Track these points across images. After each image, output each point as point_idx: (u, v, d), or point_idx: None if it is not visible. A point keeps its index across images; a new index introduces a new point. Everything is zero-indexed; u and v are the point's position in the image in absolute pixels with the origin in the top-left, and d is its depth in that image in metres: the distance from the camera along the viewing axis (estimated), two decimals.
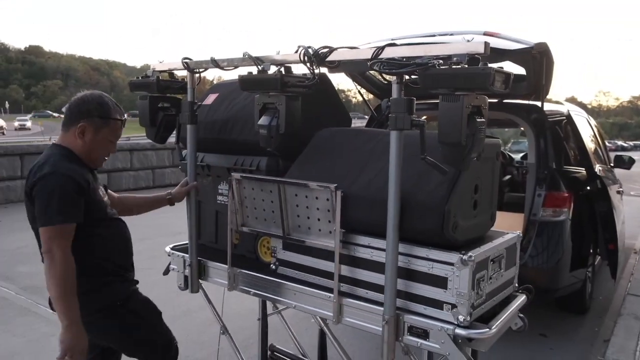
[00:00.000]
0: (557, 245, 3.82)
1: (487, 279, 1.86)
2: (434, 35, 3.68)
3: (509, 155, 7.26)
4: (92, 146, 2.15)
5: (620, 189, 6.00)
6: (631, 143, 71.71)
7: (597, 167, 4.59)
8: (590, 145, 4.89)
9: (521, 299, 2.13)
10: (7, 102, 61.22)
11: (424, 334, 1.78)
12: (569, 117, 4.48)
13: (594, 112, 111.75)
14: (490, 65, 1.53)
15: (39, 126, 43.12)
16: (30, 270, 5.49)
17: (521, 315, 2.11)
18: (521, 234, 2.20)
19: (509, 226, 3.76)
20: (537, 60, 3.43)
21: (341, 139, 2.27)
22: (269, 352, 2.98)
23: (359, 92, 4.49)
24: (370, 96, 4.82)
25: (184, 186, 2.52)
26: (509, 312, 1.97)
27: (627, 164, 6.54)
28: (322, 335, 2.86)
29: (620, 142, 68.92)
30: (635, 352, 3.44)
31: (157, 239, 6.48)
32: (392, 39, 3.85)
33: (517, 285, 2.16)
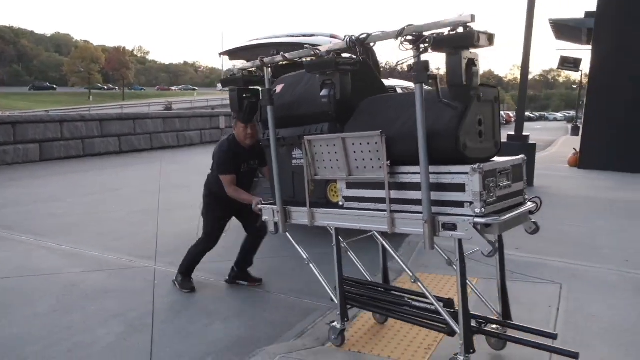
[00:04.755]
0: None
1: (497, 186, 2.41)
2: (305, 36, 5.15)
3: None
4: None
5: None
6: (537, 114, 77.56)
7: None
8: None
9: (529, 205, 2.66)
10: None
11: (453, 227, 2.34)
12: (394, 90, 5.75)
13: (509, 85, 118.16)
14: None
15: None
16: None
17: (534, 221, 2.69)
18: (525, 158, 2.75)
19: None
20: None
21: (377, 103, 2.87)
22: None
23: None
24: None
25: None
26: (516, 211, 2.51)
27: None
28: (385, 258, 3.34)
29: (527, 113, 74.63)
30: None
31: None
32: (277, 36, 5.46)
33: (527, 196, 2.71)
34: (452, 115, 2.37)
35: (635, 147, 10.81)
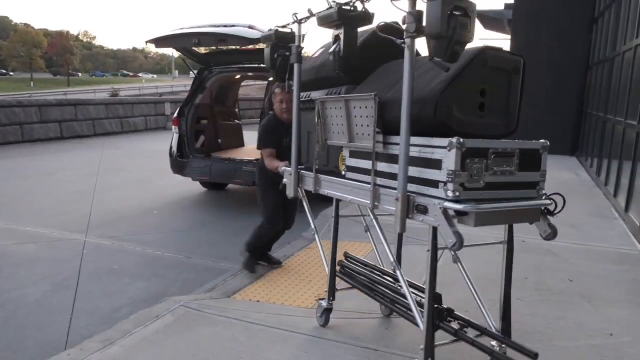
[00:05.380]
0: None
1: (486, 169, 1.99)
2: (226, 26, 5.77)
3: None
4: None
5: None
6: None
7: None
8: None
9: (541, 201, 2.15)
10: None
11: (424, 210, 1.99)
12: None
13: None
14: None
15: None
16: None
17: (550, 223, 2.21)
18: (547, 143, 2.22)
19: None
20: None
21: (389, 67, 2.66)
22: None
23: (184, 60, 6.52)
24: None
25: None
26: (512, 204, 2.05)
27: None
28: (400, 240, 3.10)
29: None
30: None
31: None
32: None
33: (543, 192, 2.20)
34: (441, 80, 2.06)
35: (554, 131, 11.79)
